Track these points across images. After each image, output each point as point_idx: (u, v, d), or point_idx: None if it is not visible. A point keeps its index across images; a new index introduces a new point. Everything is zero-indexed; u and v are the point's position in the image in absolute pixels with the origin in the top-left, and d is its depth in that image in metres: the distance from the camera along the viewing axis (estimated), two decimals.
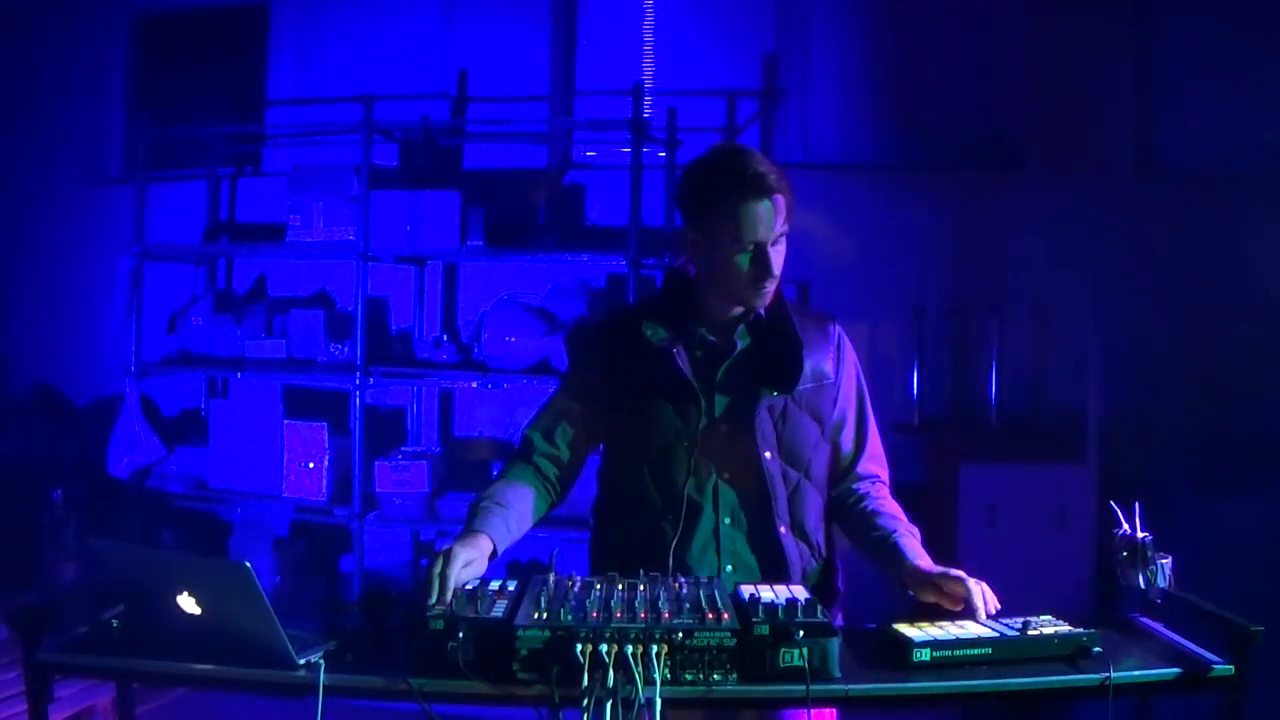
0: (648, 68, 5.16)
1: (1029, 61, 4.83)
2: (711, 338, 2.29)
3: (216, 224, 5.50)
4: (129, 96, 5.77)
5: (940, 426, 4.76)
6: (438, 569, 1.96)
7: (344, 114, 5.09)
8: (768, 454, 2.25)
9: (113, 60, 5.78)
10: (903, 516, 2.32)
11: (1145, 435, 4.52)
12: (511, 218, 4.71)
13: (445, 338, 4.87)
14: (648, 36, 5.17)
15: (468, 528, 2.16)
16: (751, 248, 2.17)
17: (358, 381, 4.66)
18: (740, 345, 2.29)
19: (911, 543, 2.23)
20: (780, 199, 2.17)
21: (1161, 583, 2.13)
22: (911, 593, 2.14)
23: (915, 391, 4.75)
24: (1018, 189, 4.80)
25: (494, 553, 2.14)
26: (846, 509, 2.36)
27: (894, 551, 2.22)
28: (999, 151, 4.86)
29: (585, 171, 5.14)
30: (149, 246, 5.07)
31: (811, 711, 1.87)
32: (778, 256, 2.20)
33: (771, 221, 2.17)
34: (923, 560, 2.19)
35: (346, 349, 4.80)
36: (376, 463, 4.69)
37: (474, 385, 4.91)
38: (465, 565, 2.01)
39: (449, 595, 1.93)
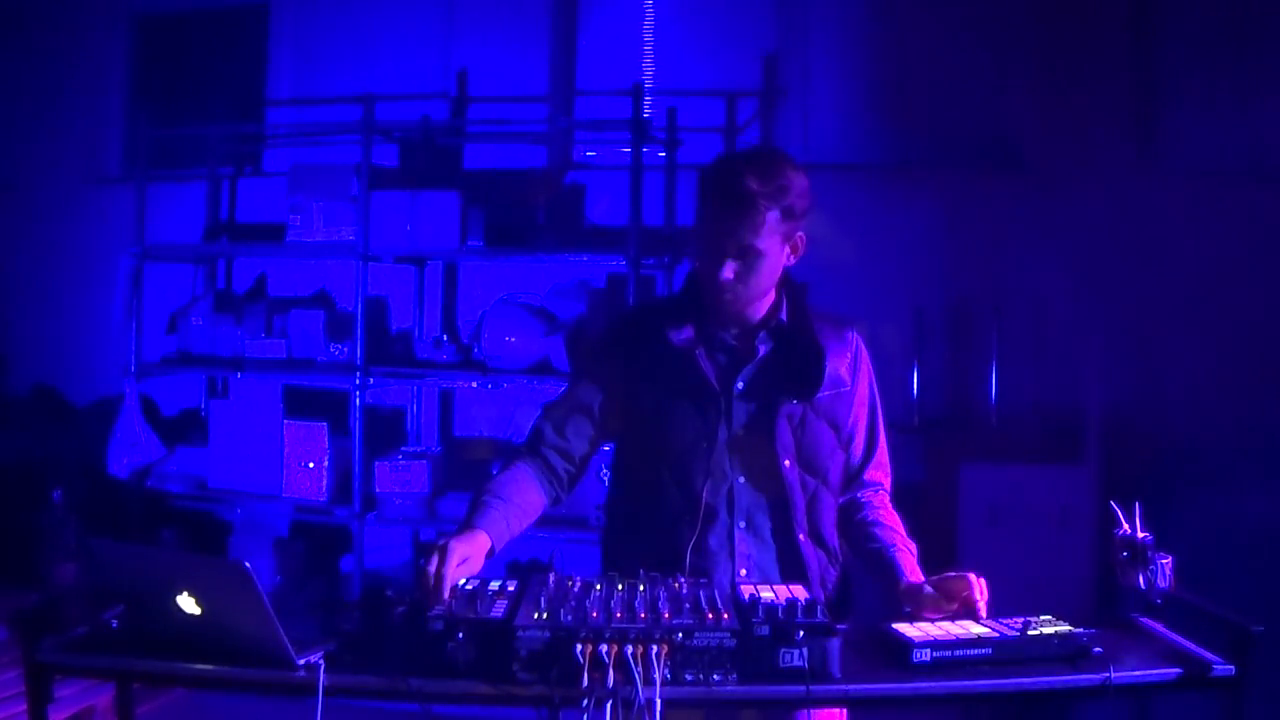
0: (648, 68, 5.16)
1: (1029, 61, 4.82)
2: (734, 342, 2.26)
3: (216, 224, 5.50)
4: (129, 96, 5.78)
5: (940, 426, 4.75)
6: (434, 566, 1.96)
7: (344, 114, 5.09)
8: (787, 462, 2.23)
9: (113, 60, 5.79)
10: (901, 529, 2.31)
11: (1145, 435, 4.52)
12: (511, 218, 4.71)
13: (445, 338, 4.87)
14: (648, 36, 5.17)
15: (465, 523, 2.15)
16: (714, 254, 2.14)
17: (358, 381, 4.66)
18: (762, 351, 2.25)
19: (907, 559, 2.23)
20: (761, 212, 2.11)
21: (1162, 583, 2.12)
22: (909, 608, 2.13)
23: (915, 391, 4.75)
24: (1018, 189, 4.80)
25: (491, 550, 2.12)
26: (848, 517, 2.35)
27: (890, 568, 2.22)
28: (999, 151, 4.86)
29: (585, 171, 5.14)
30: (149, 246, 5.07)
31: (823, 711, 1.86)
32: (746, 270, 2.14)
33: (739, 232, 2.11)
34: (917, 577, 2.19)
35: (346, 349, 4.80)
36: (376, 463, 4.68)
37: (474, 385, 4.91)
38: (462, 562, 2.00)
39: (446, 593, 1.93)
